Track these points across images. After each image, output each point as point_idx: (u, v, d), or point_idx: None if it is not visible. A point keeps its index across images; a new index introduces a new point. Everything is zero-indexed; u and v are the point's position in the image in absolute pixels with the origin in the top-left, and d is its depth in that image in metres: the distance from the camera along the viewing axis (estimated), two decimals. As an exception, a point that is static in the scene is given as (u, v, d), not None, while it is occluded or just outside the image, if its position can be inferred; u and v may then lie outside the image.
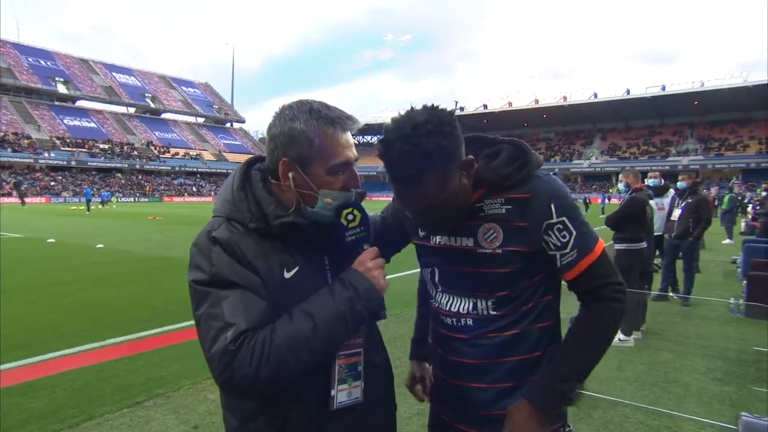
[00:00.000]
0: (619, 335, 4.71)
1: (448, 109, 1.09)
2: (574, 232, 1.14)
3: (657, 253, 7.13)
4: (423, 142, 1.03)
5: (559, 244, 1.15)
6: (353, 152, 1.13)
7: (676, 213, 6.61)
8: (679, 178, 6.91)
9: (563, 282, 1.25)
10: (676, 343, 4.82)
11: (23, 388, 3.60)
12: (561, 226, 1.14)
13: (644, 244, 4.89)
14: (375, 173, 73.41)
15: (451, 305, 1.25)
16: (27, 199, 40.57)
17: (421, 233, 1.31)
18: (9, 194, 44.68)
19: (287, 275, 1.07)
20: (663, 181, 7.25)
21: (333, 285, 1.08)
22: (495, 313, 1.19)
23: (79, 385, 3.66)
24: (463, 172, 1.12)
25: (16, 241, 13.32)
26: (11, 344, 4.54)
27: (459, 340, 1.24)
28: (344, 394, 1.13)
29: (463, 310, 1.22)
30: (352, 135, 1.15)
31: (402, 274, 7.56)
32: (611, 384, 3.77)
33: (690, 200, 6.51)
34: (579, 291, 1.20)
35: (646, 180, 6.91)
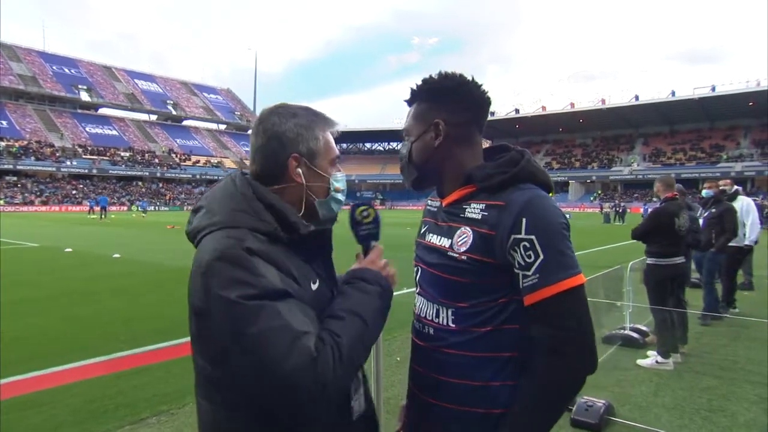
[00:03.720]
0: (657, 357, 4.54)
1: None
2: (542, 256, 1.08)
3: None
4: (432, 78, 1.25)
5: (523, 263, 1.11)
6: None
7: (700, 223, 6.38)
8: (705, 185, 6.70)
9: None
10: (722, 368, 4.60)
11: (24, 403, 3.68)
12: (528, 245, 1.09)
13: (677, 259, 4.71)
14: (401, 181, 73.41)
15: (421, 309, 1.29)
16: (46, 207, 42.14)
17: (421, 230, 1.37)
18: (32, 203, 46.58)
19: (314, 287, 1.10)
20: (735, 187, 6.88)
21: (358, 284, 1.13)
22: (453, 326, 1.19)
23: (82, 400, 3.73)
24: (432, 129, 1.25)
25: (33, 251, 13.83)
26: (21, 357, 4.67)
27: (422, 348, 1.27)
28: (357, 404, 1.18)
29: (428, 316, 1.25)
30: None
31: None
32: (646, 411, 3.61)
33: (714, 210, 6.28)
34: (531, 328, 1.14)
35: (702, 191, 6.75)
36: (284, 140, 1.14)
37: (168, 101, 78.25)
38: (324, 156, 1.19)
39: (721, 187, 6.60)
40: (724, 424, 3.42)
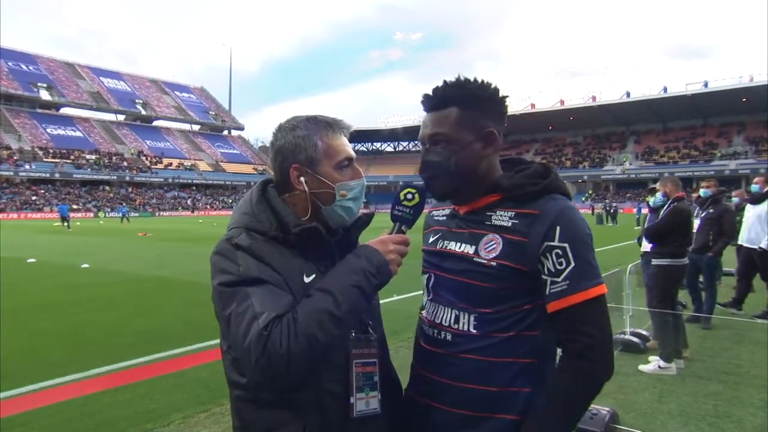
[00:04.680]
0: (660, 362, 4.63)
1: None
2: (573, 263, 1.18)
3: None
4: (470, 83, 1.29)
5: (553, 270, 1.19)
6: (352, 150, 1.35)
7: (696, 224, 6.48)
8: (702, 184, 6.78)
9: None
10: (727, 372, 4.71)
11: (-1, 425, 3.62)
12: (560, 252, 1.19)
13: (686, 260, 4.83)
14: (385, 183, 73.71)
15: (435, 315, 1.34)
16: (3, 215, 41.09)
17: (430, 239, 1.42)
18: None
19: (307, 280, 1.22)
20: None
21: (348, 257, 1.22)
22: (474, 332, 1.25)
23: (59, 420, 3.68)
24: (482, 139, 1.29)
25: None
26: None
27: (434, 354, 1.31)
28: (362, 403, 1.24)
29: (445, 322, 1.30)
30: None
31: (414, 294, 7.53)
32: (651, 418, 3.69)
33: (711, 210, 6.37)
34: (557, 333, 1.24)
35: (700, 191, 6.81)
36: (285, 152, 1.29)
37: (137, 100, 77.39)
38: (326, 162, 1.28)
39: (703, 189, 6.67)
40: (731, 430, 3.51)
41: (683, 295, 6.69)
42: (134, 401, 4.00)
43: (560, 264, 1.18)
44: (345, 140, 1.33)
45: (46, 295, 8.60)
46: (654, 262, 4.91)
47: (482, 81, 1.31)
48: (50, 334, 6.15)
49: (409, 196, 1.30)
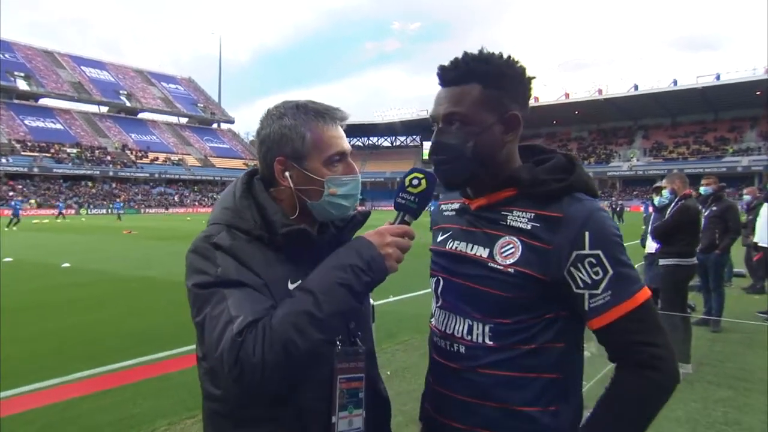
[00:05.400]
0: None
1: None
2: (611, 271, 1.10)
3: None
4: (496, 57, 1.19)
5: (589, 282, 1.11)
6: (347, 144, 1.25)
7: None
8: (702, 182, 6.83)
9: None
10: (737, 377, 4.73)
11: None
12: (594, 260, 1.11)
13: (695, 260, 4.86)
14: (382, 179, 73.63)
15: (446, 325, 1.26)
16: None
17: (439, 238, 1.34)
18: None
19: (291, 286, 1.15)
20: None
21: (338, 251, 1.14)
22: (490, 343, 1.18)
23: (38, 427, 3.67)
24: (504, 123, 1.19)
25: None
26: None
27: (448, 368, 1.25)
28: (345, 422, 1.17)
29: (458, 332, 1.23)
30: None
31: (411, 295, 7.54)
32: (658, 426, 3.70)
33: (715, 208, 6.42)
34: (608, 348, 1.16)
35: (700, 188, 6.85)
36: (270, 143, 1.22)
37: (121, 91, 77.02)
38: (315, 156, 1.20)
39: (703, 187, 6.70)
40: (741, 438, 3.53)
41: (692, 297, 6.72)
42: (117, 406, 4.00)
43: (596, 274, 1.10)
44: (339, 132, 1.24)
45: (26, 297, 8.57)
46: (661, 262, 4.93)
47: (509, 57, 1.21)
48: (29, 338, 6.13)
49: (415, 182, 1.19)
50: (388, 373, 4.57)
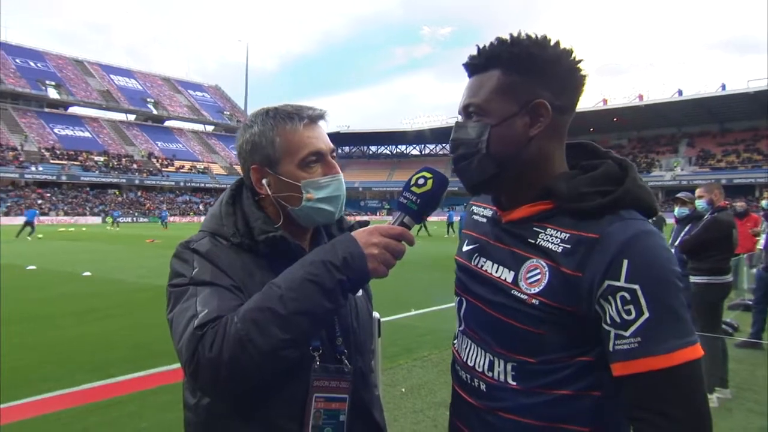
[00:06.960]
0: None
1: None
2: (646, 314, 0.92)
3: None
4: (524, 39, 1.05)
5: (618, 320, 0.94)
6: (324, 142, 1.23)
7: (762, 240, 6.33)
8: (765, 195, 6.65)
9: None
10: (780, 404, 4.53)
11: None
12: (628, 296, 0.93)
13: (729, 277, 4.68)
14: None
15: (468, 356, 1.16)
16: (6, 219, 42.10)
17: (465, 247, 1.24)
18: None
19: None
20: None
21: (318, 247, 1.12)
22: (513, 384, 1.05)
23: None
24: (529, 113, 1.05)
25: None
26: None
27: (468, 404, 1.14)
28: None
29: (479, 366, 1.12)
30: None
31: (429, 309, 7.47)
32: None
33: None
34: (627, 404, 0.99)
35: (762, 202, 6.70)
36: (244, 154, 1.26)
37: (148, 99, 79.18)
38: (287, 159, 1.20)
39: (765, 201, 6.52)
40: (782, 471, 3.36)
41: (736, 316, 6.49)
42: (123, 420, 4.04)
43: (628, 313, 0.93)
44: (314, 131, 1.22)
45: (41, 306, 8.78)
46: (692, 279, 4.76)
47: (543, 36, 1.06)
48: (43, 346, 6.27)
49: (421, 181, 1.09)
50: (403, 390, 4.52)
